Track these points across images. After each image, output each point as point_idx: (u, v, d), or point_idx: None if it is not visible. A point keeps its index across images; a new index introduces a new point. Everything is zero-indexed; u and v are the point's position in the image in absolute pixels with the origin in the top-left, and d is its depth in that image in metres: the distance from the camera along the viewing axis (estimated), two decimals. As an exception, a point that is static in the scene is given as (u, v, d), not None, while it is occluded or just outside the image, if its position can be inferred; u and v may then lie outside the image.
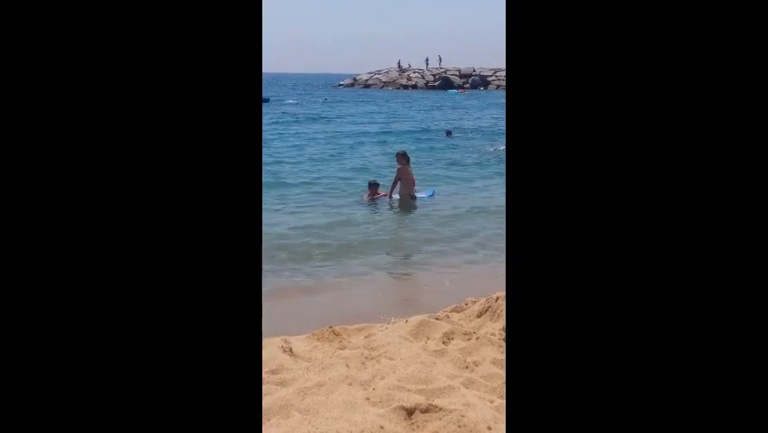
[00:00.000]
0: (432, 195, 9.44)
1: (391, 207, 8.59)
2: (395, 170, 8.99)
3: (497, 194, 9.59)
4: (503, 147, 14.15)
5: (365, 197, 8.93)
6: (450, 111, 30.44)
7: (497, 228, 7.06)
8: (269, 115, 25.69)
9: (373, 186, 8.98)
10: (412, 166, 9.17)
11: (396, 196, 8.80)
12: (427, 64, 59.83)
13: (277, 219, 7.51)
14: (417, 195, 8.97)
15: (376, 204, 8.75)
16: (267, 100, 36.77)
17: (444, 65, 60.69)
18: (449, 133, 17.45)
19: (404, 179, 8.75)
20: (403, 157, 8.88)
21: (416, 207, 8.59)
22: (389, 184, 9.00)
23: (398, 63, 60.41)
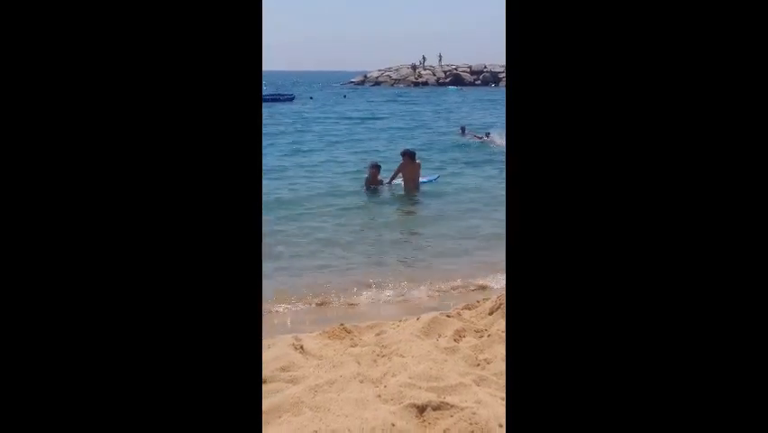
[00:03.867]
0: (436, 179, 9.81)
1: (391, 193, 9.00)
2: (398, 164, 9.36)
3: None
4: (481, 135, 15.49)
5: (368, 176, 9.19)
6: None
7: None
8: (304, 113, 25.80)
9: (374, 167, 9.25)
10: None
11: (396, 181, 9.20)
12: (428, 61, 59.72)
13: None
14: (421, 180, 9.35)
15: (378, 190, 9.03)
16: (292, 98, 36.36)
17: (455, 62, 60.57)
18: (464, 129, 17.55)
19: (404, 175, 9.12)
20: (406, 155, 9.23)
21: (416, 195, 8.95)
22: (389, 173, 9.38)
23: (413, 64, 60.21)
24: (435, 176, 10.00)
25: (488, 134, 15.83)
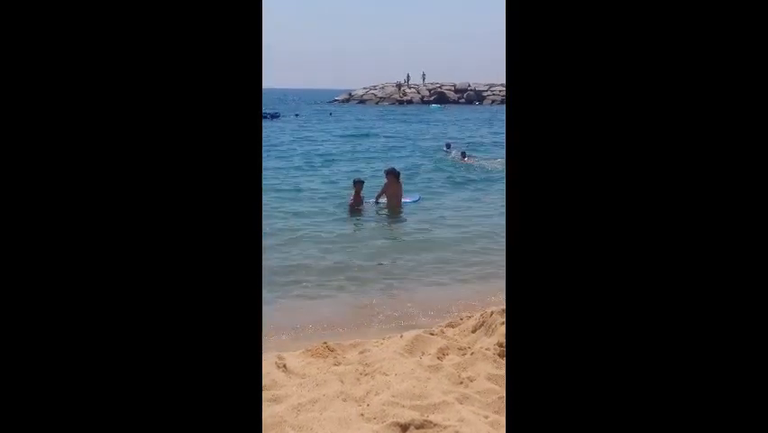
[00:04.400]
0: (418, 200, 9.84)
1: (377, 212, 8.96)
2: (382, 183, 9.33)
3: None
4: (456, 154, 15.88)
5: (351, 196, 9.06)
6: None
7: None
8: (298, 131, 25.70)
9: (358, 183, 9.15)
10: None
11: (382, 200, 9.19)
12: (412, 79, 60.17)
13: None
14: (403, 200, 9.36)
15: (361, 211, 8.92)
16: (277, 115, 35.88)
17: (439, 80, 61.02)
18: (449, 146, 17.72)
19: (388, 194, 9.13)
20: (391, 174, 9.23)
21: (400, 216, 8.95)
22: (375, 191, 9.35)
23: (398, 82, 60.51)
24: (417, 197, 10.03)
25: (463, 154, 16.08)
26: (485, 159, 15.74)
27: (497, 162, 14.79)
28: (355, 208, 8.98)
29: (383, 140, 22.52)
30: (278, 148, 18.60)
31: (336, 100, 62.32)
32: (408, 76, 60.29)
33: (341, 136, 23.87)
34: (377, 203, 9.16)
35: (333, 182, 12.15)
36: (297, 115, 38.89)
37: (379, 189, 9.26)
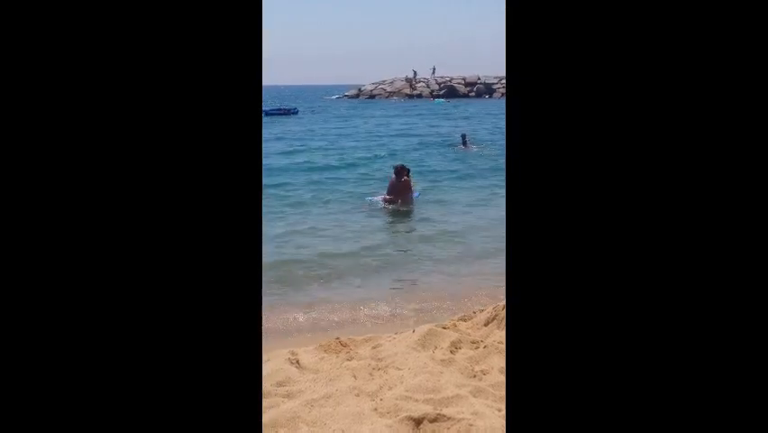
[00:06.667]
0: (417, 196, 9.84)
1: (394, 211, 8.90)
2: (399, 181, 9.26)
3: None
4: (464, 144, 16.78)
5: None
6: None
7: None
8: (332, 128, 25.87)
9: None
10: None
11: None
12: (420, 74, 60.10)
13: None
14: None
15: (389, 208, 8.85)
16: (296, 111, 36.45)
17: (448, 74, 60.90)
18: (464, 138, 18.09)
19: (401, 190, 9.11)
20: (403, 170, 9.20)
21: (412, 209, 8.97)
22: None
23: (406, 76, 60.49)
24: (416, 193, 9.96)
25: (464, 142, 16.96)
26: (486, 147, 16.66)
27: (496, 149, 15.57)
28: (386, 207, 8.90)
29: (390, 137, 22.55)
30: (301, 147, 18.59)
31: (346, 95, 62.36)
32: (415, 72, 60.29)
33: (363, 132, 23.91)
34: (398, 201, 9.08)
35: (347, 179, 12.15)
36: (312, 111, 39.27)
37: (409, 187, 9.16)
